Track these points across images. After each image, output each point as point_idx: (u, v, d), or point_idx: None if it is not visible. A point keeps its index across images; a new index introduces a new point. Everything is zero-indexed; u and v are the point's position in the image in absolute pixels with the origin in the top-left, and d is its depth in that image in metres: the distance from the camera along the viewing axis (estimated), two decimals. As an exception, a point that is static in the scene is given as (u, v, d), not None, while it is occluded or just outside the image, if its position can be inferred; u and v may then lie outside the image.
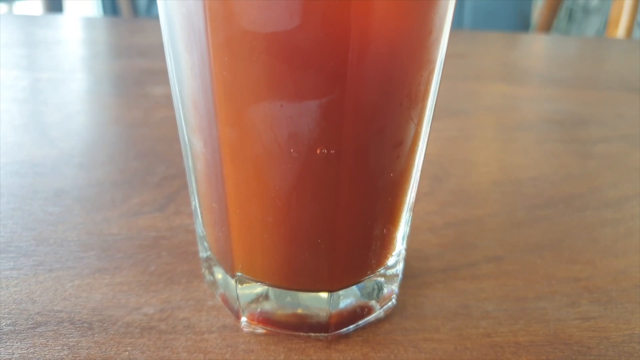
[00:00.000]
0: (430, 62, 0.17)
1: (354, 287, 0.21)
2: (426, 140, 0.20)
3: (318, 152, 0.17)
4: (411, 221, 0.23)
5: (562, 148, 0.40)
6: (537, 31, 1.93)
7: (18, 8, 2.59)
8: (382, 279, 0.21)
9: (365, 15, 0.15)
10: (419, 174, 0.21)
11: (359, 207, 0.19)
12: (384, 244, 0.21)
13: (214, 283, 0.22)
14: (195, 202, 0.22)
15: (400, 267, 0.22)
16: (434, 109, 0.20)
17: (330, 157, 0.17)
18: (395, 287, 0.22)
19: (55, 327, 0.20)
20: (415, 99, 0.17)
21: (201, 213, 0.22)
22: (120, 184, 0.32)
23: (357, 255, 0.20)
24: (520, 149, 0.40)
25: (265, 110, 0.16)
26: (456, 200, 0.32)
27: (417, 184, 0.21)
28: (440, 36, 0.17)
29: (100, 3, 1.64)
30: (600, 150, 0.40)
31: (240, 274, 0.20)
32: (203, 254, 0.23)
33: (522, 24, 1.94)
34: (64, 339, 0.20)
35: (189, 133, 0.19)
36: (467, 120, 0.45)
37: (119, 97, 0.48)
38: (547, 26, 1.94)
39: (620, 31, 1.43)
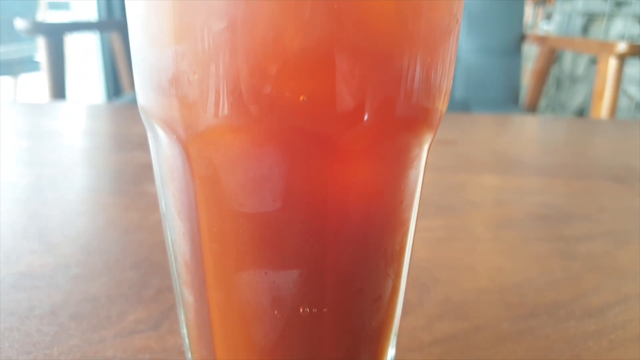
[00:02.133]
0: (404, 225, 0.19)
1: None
2: (404, 288, 0.21)
3: (301, 311, 0.18)
4: (397, 341, 0.23)
5: (547, 248, 0.41)
6: (527, 101, 2.00)
7: (22, 80, 2.69)
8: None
9: (341, 196, 0.16)
10: (399, 316, 0.22)
11: (342, 354, 0.20)
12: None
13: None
14: (186, 341, 0.23)
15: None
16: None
17: (312, 315, 0.18)
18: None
19: None
20: (392, 258, 0.19)
21: (191, 352, 0.22)
22: (116, 298, 0.33)
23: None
24: (505, 249, 0.41)
25: (250, 277, 0.17)
26: (443, 313, 0.32)
27: (399, 319, 0.22)
28: (412, 202, 0.19)
29: (104, 86, 1.71)
30: (584, 249, 0.42)
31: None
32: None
33: (512, 95, 2.01)
34: None
35: (181, 283, 0.20)
36: (454, 218, 0.47)
37: (117, 195, 0.49)
38: (536, 96, 2.01)
39: (605, 102, 1.49)
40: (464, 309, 0.33)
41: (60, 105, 0.87)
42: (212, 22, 0.14)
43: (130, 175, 0.54)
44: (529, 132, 0.84)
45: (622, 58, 1.41)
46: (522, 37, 2.01)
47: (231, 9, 0.14)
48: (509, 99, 2.02)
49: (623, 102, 2.33)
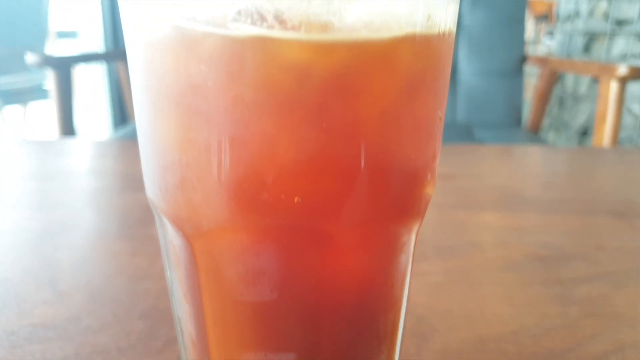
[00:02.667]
0: (395, 304, 0.20)
1: None
2: (398, 355, 0.22)
3: (299, 386, 0.19)
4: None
5: (544, 292, 0.42)
6: (529, 123, 2.01)
7: (31, 108, 2.74)
8: None
9: (334, 286, 0.18)
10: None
11: None
12: None
13: None
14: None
15: None
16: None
17: (310, 392, 0.19)
18: None
19: None
20: (385, 336, 0.20)
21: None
22: (125, 350, 0.34)
23: None
24: (504, 294, 0.42)
25: (252, 358, 0.19)
26: (441, 363, 0.33)
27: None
28: (403, 282, 0.20)
29: (111, 114, 1.74)
30: (581, 293, 0.42)
31: None
32: None
33: (515, 116, 2.02)
34: None
35: (187, 355, 0.22)
36: (453, 260, 0.48)
37: (124, 240, 0.51)
38: (539, 117, 2.02)
39: (608, 125, 1.50)
40: (461, 358, 0.34)
41: (66, 142, 0.89)
42: (213, 137, 0.16)
43: (136, 217, 0.56)
44: (529, 164, 0.85)
45: (623, 81, 1.43)
46: (523, 58, 2.03)
47: (230, 126, 0.15)
48: (511, 121, 2.03)
49: (627, 120, 2.34)
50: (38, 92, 2.45)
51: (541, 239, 0.52)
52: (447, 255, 0.49)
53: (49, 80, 1.29)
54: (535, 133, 2.05)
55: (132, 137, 1.47)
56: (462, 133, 1.85)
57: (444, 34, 0.17)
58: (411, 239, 0.19)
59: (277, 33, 0.14)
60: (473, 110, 2.02)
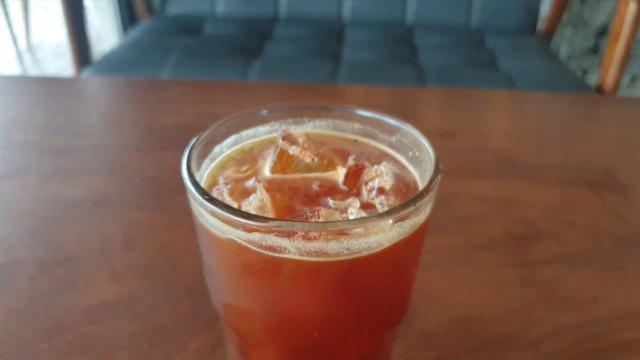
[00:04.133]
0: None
1: None
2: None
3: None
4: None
5: (512, 274, 0.51)
6: (544, 30, 1.96)
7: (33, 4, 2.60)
8: None
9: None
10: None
11: None
12: None
13: None
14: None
15: None
16: None
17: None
18: None
19: None
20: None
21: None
22: (180, 326, 0.44)
23: None
24: (476, 276, 0.51)
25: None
26: (419, 343, 0.44)
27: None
28: None
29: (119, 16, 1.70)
30: (542, 275, 0.51)
31: None
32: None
33: (530, 22, 1.97)
34: None
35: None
36: (441, 237, 0.56)
37: (162, 213, 0.59)
38: (554, 25, 1.97)
39: (621, 45, 1.49)
40: (435, 340, 0.44)
41: (81, 82, 0.93)
42: (258, 299, 0.24)
43: (169, 185, 0.63)
44: (527, 119, 0.89)
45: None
46: (546, -42, 1.92)
47: (269, 297, 0.23)
48: (526, 25, 1.98)
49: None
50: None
51: (521, 214, 0.60)
52: (436, 232, 0.57)
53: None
54: (549, 39, 2.01)
55: (142, 46, 1.45)
56: (472, 41, 1.82)
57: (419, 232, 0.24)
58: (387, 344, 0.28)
59: (299, 257, 0.22)
60: (486, 15, 1.95)
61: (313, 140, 0.33)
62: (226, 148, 0.33)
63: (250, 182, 0.29)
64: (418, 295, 0.49)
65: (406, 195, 0.30)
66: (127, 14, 1.89)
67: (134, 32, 1.61)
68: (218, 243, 0.25)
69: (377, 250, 0.25)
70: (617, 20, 1.48)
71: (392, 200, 0.29)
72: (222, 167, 0.32)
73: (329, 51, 1.55)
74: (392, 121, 0.34)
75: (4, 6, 2.84)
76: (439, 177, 0.29)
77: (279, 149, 0.31)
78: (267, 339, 0.26)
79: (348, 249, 0.24)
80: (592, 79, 2.51)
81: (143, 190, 0.62)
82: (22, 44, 3.07)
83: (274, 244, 0.24)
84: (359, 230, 0.25)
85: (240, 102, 0.82)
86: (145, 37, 1.51)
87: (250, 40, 1.54)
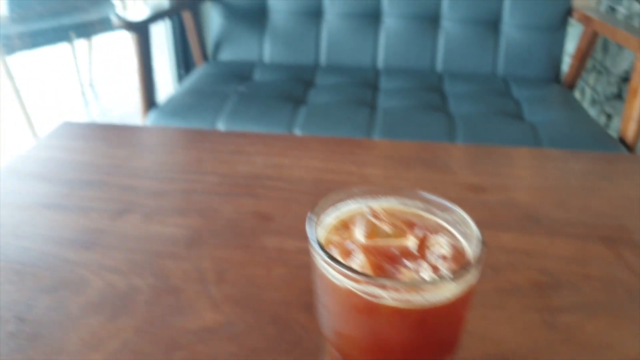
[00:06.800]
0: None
1: None
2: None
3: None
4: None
5: (537, 318, 0.62)
6: (566, 80, 2.07)
7: (97, 42, 2.83)
8: None
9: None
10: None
11: None
12: None
13: None
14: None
15: None
16: None
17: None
18: None
19: None
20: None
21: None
22: (268, 349, 0.56)
23: None
24: (506, 318, 0.62)
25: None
26: (460, 372, 0.54)
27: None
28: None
29: (175, 64, 1.88)
30: (564, 320, 0.62)
31: None
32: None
33: (553, 72, 2.09)
34: None
35: None
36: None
37: (241, 250, 0.71)
38: (576, 75, 2.08)
39: (639, 102, 1.59)
40: (469, 373, 0.55)
41: (150, 130, 1.07)
42: (360, 331, 0.35)
43: (247, 226, 0.76)
44: (549, 175, 1.00)
45: (659, 61, 1.49)
46: (568, 11, 2.04)
47: (370, 332, 0.35)
48: (549, 75, 2.09)
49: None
50: (106, 24, 2.48)
51: (543, 264, 0.71)
52: (471, 278, 0.68)
53: (133, 43, 1.43)
54: (572, 88, 2.12)
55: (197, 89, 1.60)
56: (498, 89, 1.93)
57: (471, 288, 0.36)
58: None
59: (391, 303, 0.34)
60: (511, 64, 2.07)
61: (389, 214, 0.45)
62: (329, 218, 0.45)
63: (351, 245, 0.41)
64: (458, 332, 0.59)
65: (459, 260, 0.41)
66: (183, 60, 2.07)
67: (192, 77, 1.77)
68: (335, 288, 0.37)
69: (444, 301, 0.37)
70: (635, 77, 1.59)
71: (450, 264, 0.40)
72: (329, 231, 0.44)
73: (365, 99, 1.68)
74: (445, 202, 0.46)
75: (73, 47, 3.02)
76: (485, 249, 0.40)
77: (368, 221, 0.43)
78: (364, 358, 0.37)
79: (425, 300, 0.36)
80: (617, 124, 2.59)
81: (227, 231, 0.75)
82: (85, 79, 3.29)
83: (375, 292, 0.36)
84: (432, 287, 0.36)
85: (298, 154, 0.95)
86: (201, 82, 1.67)
87: (295, 87, 1.69)
